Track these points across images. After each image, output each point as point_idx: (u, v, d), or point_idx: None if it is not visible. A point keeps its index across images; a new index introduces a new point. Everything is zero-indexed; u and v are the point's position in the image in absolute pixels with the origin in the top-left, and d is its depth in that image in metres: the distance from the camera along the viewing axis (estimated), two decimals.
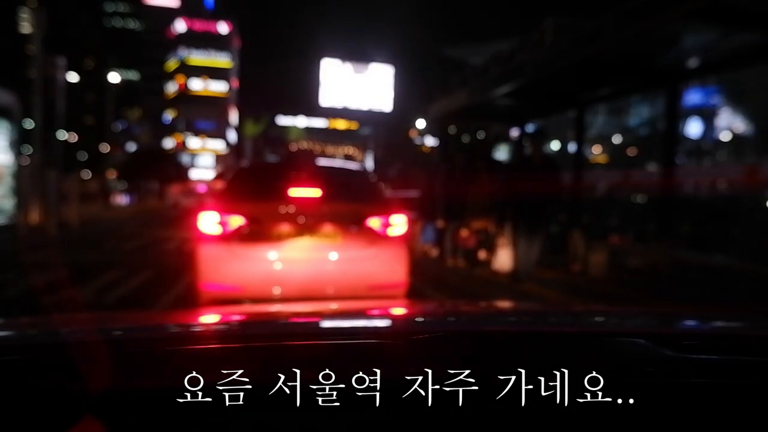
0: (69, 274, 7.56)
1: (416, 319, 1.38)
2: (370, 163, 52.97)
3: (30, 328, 1.15)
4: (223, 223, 4.20)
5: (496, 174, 7.20)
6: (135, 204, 33.03)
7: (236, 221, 4.21)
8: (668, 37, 5.43)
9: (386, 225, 4.34)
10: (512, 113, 9.65)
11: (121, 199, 34.29)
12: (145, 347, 0.89)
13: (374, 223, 4.33)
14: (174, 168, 50.42)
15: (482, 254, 7.17)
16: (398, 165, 41.57)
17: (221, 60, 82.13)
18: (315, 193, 4.49)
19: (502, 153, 11.98)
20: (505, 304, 2.85)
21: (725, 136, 8.12)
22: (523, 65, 7.11)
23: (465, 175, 7.49)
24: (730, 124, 7.99)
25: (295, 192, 4.44)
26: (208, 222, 4.23)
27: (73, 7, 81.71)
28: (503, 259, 6.20)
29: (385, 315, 1.51)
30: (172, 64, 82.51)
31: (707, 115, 7.85)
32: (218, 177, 50.64)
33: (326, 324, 1.26)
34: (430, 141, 61.25)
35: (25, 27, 54.47)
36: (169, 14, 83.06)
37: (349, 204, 4.47)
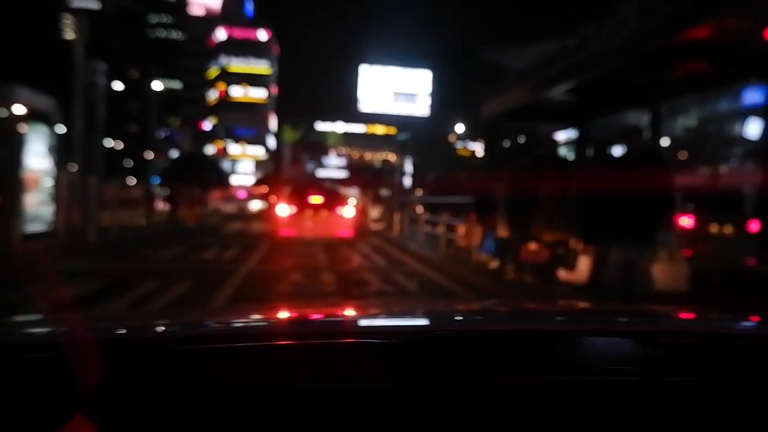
0: (104, 283, 7.26)
1: (416, 320, 1.41)
2: (409, 168, 52.46)
3: (24, 327, 1.20)
4: (288, 209, 14.23)
5: (566, 173, 6.37)
6: (176, 210, 33.16)
7: (293, 208, 14.19)
8: None
9: (345, 210, 14.55)
10: (574, 111, 8.93)
11: (164, 206, 34.45)
12: (140, 347, 0.90)
13: (341, 210, 14.46)
14: (215, 174, 50.96)
15: (559, 271, 6.15)
16: (435, 171, 40.98)
17: (260, 67, 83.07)
18: (320, 198, 14.77)
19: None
20: (504, 304, 2.62)
21: None
22: (597, 55, 6.35)
23: (529, 178, 6.63)
24: None
25: (313, 198, 14.74)
26: (281, 209, 14.43)
27: (118, 20, 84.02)
28: (583, 274, 5.40)
29: (389, 314, 1.56)
30: (212, 71, 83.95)
31: None
32: (258, 183, 51.11)
33: (328, 323, 1.24)
34: (472, 146, 60.45)
35: (68, 33, 55.79)
36: (210, 23, 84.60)
37: (332, 202, 14.62)
